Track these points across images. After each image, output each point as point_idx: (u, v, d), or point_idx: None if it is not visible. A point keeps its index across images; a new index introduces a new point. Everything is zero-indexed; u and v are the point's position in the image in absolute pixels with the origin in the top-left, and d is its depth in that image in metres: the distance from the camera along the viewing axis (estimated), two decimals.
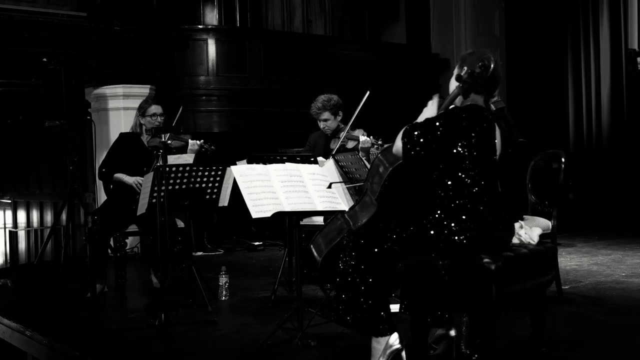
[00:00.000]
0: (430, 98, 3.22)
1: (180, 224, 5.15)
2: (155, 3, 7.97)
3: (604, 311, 4.39)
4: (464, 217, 2.98)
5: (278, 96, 8.50)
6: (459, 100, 3.16)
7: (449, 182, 3.02)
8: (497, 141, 3.11)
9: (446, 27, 10.32)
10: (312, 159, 4.73)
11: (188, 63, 8.14)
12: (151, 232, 5.01)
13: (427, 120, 3.04)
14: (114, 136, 6.43)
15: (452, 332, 3.29)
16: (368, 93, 4.92)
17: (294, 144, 6.01)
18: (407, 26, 10.50)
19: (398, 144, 3.02)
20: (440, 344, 3.32)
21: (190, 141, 5.21)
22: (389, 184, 3.21)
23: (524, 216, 4.51)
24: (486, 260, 2.90)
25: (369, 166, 3.58)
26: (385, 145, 4.57)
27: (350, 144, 5.21)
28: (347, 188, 3.86)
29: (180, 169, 4.52)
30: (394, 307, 3.31)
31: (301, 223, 4.52)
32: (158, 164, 4.37)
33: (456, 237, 2.96)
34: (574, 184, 8.44)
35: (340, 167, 3.94)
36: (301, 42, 9.19)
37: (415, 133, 2.98)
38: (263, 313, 4.55)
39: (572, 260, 6.19)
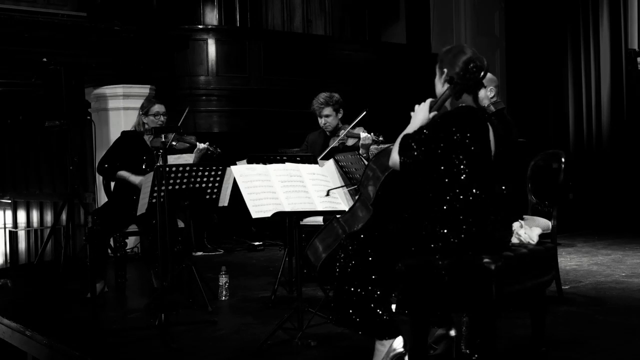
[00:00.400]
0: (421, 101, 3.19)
1: (180, 224, 5.15)
2: (155, 3, 7.97)
3: (604, 311, 4.39)
4: (461, 217, 2.97)
5: (278, 96, 8.50)
6: (449, 102, 3.14)
7: (446, 183, 3.01)
8: (491, 140, 3.10)
9: (446, 27, 10.32)
10: (312, 159, 4.73)
11: (188, 63, 8.14)
12: (151, 232, 5.01)
13: (424, 130, 3.01)
14: (114, 136, 6.44)
15: (452, 332, 3.29)
16: (364, 113, 5.05)
17: (294, 144, 6.00)
18: (407, 26, 10.49)
19: (395, 158, 3.00)
20: (440, 344, 3.32)
21: (198, 144, 5.18)
22: (384, 188, 3.21)
23: (524, 216, 4.50)
24: (486, 260, 2.90)
25: None
26: (382, 146, 4.57)
27: (351, 142, 5.23)
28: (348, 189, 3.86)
29: (180, 169, 4.51)
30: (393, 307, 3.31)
31: (301, 223, 4.52)
32: (158, 164, 4.36)
33: (453, 239, 2.96)
34: (574, 184, 8.45)
35: (341, 167, 3.94)
36: (301, 42, 9.18)
37: (414, 146, 2.96)
38: (263, 313, 4.55)
39: (572, 260, 6.19)
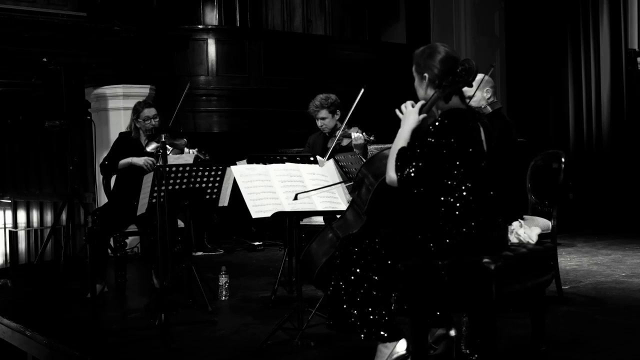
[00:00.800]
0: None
1: (180, 224, 5.15)
2: (155, 3, 7.97)
3: (604, 311, 4.39)
4: (460, 218, 2.97)
5: (278, 96, 8.49)
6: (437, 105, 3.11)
7: (443, 185, 3.00)
8: (483, 140, 3.09)
9: (446, 27, 10.32)
10: (312, 159, 4.73)
11: (188, 63, 8.14)
12: (151, 232, 5.01)
13: (419, 145, 2.97)
14: (114, 136, 6.43)
15: (452, 332, 3.29)
16: (363, 90, 4.93)
17: (294, 144, 6.01)
18: (407, 26, 10.49)
19: (392, 177, 2.98)
20: (440, 344, 3.31)
21: (186, 150, 5.20)
22: (379, 192, 3.20)
23: (524, 216, 4.51)
24: (486, 260, 2.90)
25: None
26: (380, 146, 4.57)
27: (345, 142, 5.24)
28: (347, 187, 3.86)
29: (180, 169, 4.52)
30: None
31: (301, 223, 4.52)
32: (158, 164, 4.36)
33: (452, 239, 2.95)
34: (574, 184, 8.46)
35: (341, 167, 3.94)
36: (301, 42, 9.18)
37: (412, 163, 2.95)
38: (263, 313, 4.55)
39: (572, 260, 6.19)
